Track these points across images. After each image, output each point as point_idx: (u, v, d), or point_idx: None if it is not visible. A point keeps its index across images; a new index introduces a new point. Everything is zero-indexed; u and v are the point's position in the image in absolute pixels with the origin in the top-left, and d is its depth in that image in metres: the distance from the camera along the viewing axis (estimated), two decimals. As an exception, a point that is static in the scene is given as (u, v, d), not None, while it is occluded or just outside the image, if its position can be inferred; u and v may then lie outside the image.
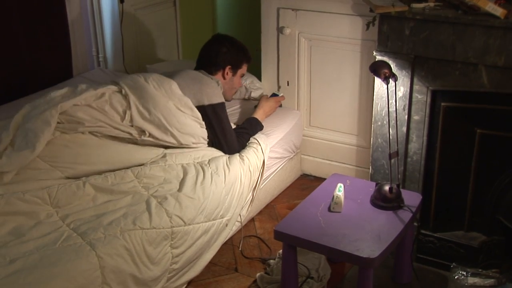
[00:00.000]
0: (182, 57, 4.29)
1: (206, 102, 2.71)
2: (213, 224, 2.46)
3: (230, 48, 2.92)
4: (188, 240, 2.31)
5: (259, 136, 2.89)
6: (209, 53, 2.93)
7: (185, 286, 2.46)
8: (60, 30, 3.55)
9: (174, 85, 2.65)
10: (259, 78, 3.41)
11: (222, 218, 2.53)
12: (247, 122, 2.95)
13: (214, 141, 2.75)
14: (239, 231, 2.83)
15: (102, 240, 2.05)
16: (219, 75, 2.91)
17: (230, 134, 2.76)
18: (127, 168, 2.46)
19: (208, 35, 4.78)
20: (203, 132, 2.69)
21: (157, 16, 4.09)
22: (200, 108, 2.69)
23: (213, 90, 2.77)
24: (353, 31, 3.02)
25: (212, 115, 2.71)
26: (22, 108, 2.47)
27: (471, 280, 2.47)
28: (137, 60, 3.95)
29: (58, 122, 2.40)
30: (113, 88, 2.58)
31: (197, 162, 2.60)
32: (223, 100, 2.80)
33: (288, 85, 3.34)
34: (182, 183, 2.42)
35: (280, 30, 3.24)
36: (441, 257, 2.67)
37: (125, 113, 2.53)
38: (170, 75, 2.78)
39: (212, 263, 2.59)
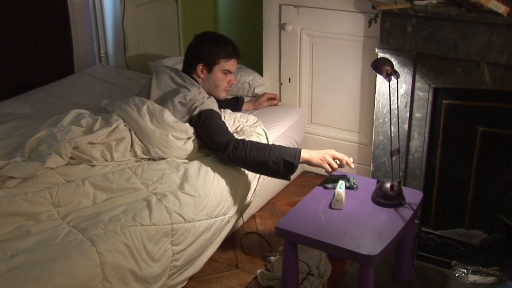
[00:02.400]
0: (184, 54, 4.28)
1: (195, 112, 2.61)
2: (215, 221, 2.45)
3: (200, 44, 2.76)
4: (189, 237, 2.31)
5: (264, 127, 2.88)
6: (186, 53, 2.84)
7: (185, 282, 2.46)
8: (62, 26, 3.55)
9: (166, 113, 2.57)
10: (261, 75, 3.41)
11: (225, 215, 2.52)
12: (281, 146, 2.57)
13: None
14: (240, 228, 2.83)
15: (102, 236, 2.05)
16: (195, 75, 2.77)
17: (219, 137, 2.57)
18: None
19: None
20: (197, 143, 2.65)
21: (159, 12, 4.09)
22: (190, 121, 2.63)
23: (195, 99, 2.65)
24: (355, 28, 3.02)
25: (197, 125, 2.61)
26: (39, 130, 2.49)
27: (472, 277, 2.47)
28: (138, 56, 3.95)
29: (70, 158, 2.43)
30: (121, 121, 2.56)
31: (199, 157, 2.60)
32: (207, 107, 2.63)
33: (289, 82, 3.34)
34: (183, 178, 2.42)
35: (282, 26, 3.23)
36: (442, 254, 2.67)
37: (128, 149, 2.55)
38: (160, 98, 2.71)
39: (213, 259, 2.59)
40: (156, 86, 2.75)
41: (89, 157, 2.44)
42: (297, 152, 2.45)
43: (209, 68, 2.75)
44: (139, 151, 2.55)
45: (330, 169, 2.45)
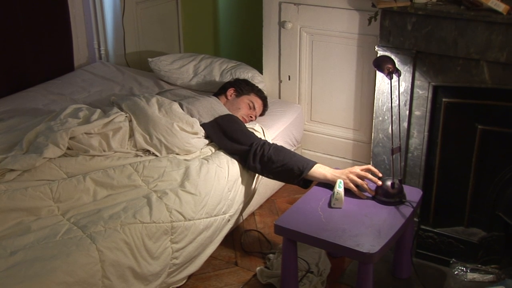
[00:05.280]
0: (184, 51, 4.29)
1: (216, 115, 2.74)
2: (215, 220, 2.46)
3: (241, 79, 3.10)
4: (188, 236, 2.31)
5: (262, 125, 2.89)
6: (226, 82, 3.12)
7: (185, 280, 2.47)
8: (62, 23, 3.55)
9: (174, 105, 2.70)
10: (261, 72, 3.41)
11: (225, 214, 2.52)
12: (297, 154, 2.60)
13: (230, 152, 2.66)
14: (239, 225, 2.84)
15: (102, 234, 2.05)
16: (222, 96, 2.98)
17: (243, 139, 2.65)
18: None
19: (210, 29, 4.78)
20: (204, 142, 2.70)
21: (159, 10, 4.09)
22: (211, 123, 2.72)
23: (214, 106, 2.80)
24: (355, 26, 3.02)
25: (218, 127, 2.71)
26: (37, 125, 2.51)
27: (471, 275, 2.48)
28: (138, 53, 3.95)
29: (68, 148, 2.44)
30: (121, 113, 2.60)
31: (200, 155, 2.61)
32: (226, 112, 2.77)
33: (289, 79, 3.34)
34: (184, 176, 2.42)
35: (281, 24, 3.23)
36: (441, 252, 2.68)
37: (127, 139, 2.57)
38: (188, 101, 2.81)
39: (212, 256, 2.59)
40: (171, 95, 2.90)
41: (87, 147, 2.45)
42: (314, 163, 2.47)
43: (239, 94, 2.99)
44: (140, 140, 2.55)
45: (356, 189, 2.35)
